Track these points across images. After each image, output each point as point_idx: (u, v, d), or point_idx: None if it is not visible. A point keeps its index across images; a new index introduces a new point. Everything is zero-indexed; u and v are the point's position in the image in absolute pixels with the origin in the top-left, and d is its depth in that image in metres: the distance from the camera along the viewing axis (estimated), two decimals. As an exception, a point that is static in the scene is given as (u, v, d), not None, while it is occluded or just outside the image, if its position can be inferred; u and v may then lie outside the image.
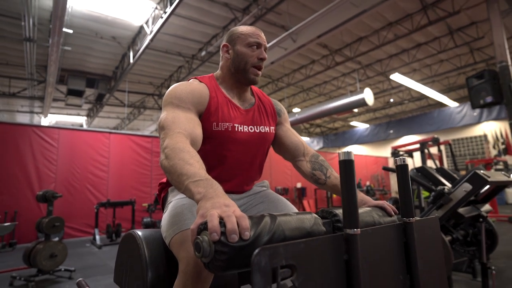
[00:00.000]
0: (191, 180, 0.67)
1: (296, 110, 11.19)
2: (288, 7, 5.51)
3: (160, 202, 1.13)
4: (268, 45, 5.51)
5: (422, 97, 10.97)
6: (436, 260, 0.73)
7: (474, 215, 1.83)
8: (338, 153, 0.56)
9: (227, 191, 1.05)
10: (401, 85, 9.37)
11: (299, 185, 9.52)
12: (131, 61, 6.59)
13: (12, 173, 5.27)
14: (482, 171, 1.61)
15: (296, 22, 5.53)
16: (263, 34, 1.09)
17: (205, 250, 0.49)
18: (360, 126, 14.86)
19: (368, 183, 11.98)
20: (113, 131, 6.66)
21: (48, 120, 10.46)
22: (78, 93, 7.92)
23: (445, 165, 9.78)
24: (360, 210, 0.76)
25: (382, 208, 0.83)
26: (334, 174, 1.05)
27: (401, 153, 6.07)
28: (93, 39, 6.44)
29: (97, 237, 5.05)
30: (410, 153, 6.10)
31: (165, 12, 5.00)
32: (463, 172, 9.06)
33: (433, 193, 1.74)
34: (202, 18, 5.92)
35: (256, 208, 1.08)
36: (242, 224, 0.52)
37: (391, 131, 13.55)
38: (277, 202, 1.08)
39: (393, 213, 0.83)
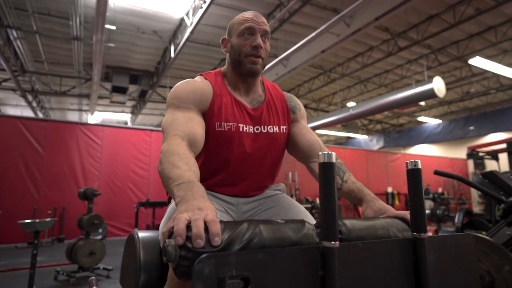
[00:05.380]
0: (175, 183, 0.69)
1: (351, 104, 10.76)
2: (341, -14, 5.32)
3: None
4: (317, 31, 5.44)
5: (515, 85, 9.76)
6: (465, 283, 0.68)
7: None
8: (319, 153, 0.54)
9: (234, 195, 1.06)
10: (485, 71, 8.42)
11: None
12: (172, 55, 6.94)
13: (61, 170, 5.94)
14: None
15: (350, 3, 5.29)
16: (261, 17, 1.06)
17: (170, 254, 0.50)
18: (431, 122, 13.71)
19: (440, 190, 11.05)
20: (154, 128, 7.10)
21: (95, 117, 11.52)
22: (122, 90, 8.63)
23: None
24: (376, 221, 0.72)
25: (403, 220, 0.76)
26: (352, 179, 1.00)
27: (481, 154, 5.46)
28: (135, 34, 6.94)
29: (137, 237, 5.44)
30: (494, 155, 5.46)
31: (204, 2, 5.16)
32: None
33: (502, 205, 1.52)
34: (244, 6, 5.99)
35: (265, 213, 1.05)
36: (211, 229, 0.52)
37: (471, 128, 12.22)
38: (288, 208, 1.04)
39: None
